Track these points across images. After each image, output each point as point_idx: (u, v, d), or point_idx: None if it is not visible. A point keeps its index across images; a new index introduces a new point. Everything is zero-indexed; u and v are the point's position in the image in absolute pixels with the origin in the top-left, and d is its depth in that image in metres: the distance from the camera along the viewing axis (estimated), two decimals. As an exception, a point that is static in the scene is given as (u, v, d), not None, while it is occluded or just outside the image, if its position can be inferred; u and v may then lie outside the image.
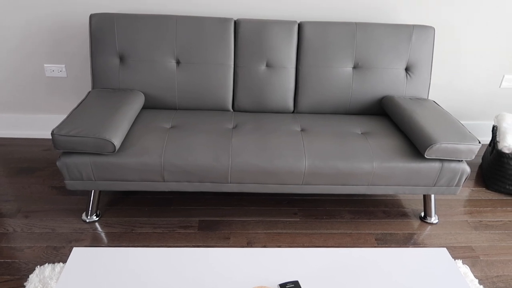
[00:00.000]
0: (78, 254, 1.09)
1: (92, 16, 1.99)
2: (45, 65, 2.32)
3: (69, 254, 1.69)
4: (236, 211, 2.00)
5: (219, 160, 1.71)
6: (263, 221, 1.95)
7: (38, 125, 2.50)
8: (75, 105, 2.46)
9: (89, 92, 1.98)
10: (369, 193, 1.84)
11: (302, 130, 1.93)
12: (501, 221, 2.04)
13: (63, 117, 2.49)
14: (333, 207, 2.07)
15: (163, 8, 2.18)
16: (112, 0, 2.15)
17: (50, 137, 2.53)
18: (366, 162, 1.75)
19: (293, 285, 0.98)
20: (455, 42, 2.39)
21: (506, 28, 2.36)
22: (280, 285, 0.99)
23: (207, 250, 1.12)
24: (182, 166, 1.70)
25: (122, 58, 2.03)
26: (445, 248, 1.16)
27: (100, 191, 1.88)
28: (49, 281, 1.55)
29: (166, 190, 1.78)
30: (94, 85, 2.05)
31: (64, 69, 2.33)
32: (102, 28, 1.99)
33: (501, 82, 2.55)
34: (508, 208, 2.13)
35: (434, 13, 2.28)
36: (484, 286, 1.66)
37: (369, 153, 1.77)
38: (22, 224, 1.85)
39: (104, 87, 2.05)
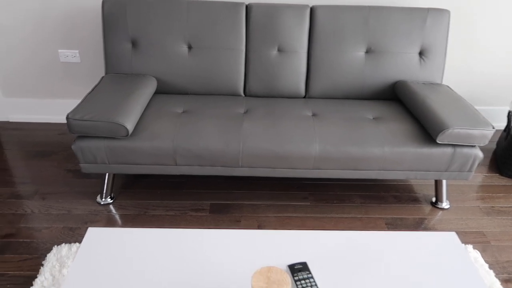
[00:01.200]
0: (93, 234, 1.12)
1: (104, 2, 2.01)
2: (59, 50, 2.35)
3: (84, 235, 1.74)
4: (247, 195, 2.03)
5: (230, 144, 1.73)
6: (273, 204, 1.97)
7: (53, 110, 2.55)
8: (88, 90, 2.49)
9: (102, 77, 2.00)
10: (380, 178, 1.84)
11: (313, 115, 1.93)
12: (513, 207, 2.02)
13: (77, 101, 2.53)
14: (344, 192, 2.08)
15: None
16: (124, -15, 2.16)
17: (65, 121, 2.58)
18: (377, 147, 1.75)
19: (301, 266, 1.00)
20: (470, 25, 2.34)
21: (524, 10, 2.30)
22: (289, 266, 1.01)
23: (218, 232, 1.15)
24: (194, 150, 1.72)
25: (134, 43, 2.04)
26: (454, 232, 1.17)
27: (114, 174, 1.92)
28: (66, 260, 1.60)
29: (178, 173, 1.80)
30: (107, 70, 2.08)
31: (77, 55, 2.36)
32: (114, 13, 2.01)
33: (518, 67, 2.49)
34: (521, 194, 2.11)
35: (450, -5, 2.24)
36: (494, 271, 1.66)
37: (381, 138, 1.77)
38: (39, 206, 1.90)
39: (117, 72, 2.07)
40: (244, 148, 1.73)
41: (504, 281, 1.62)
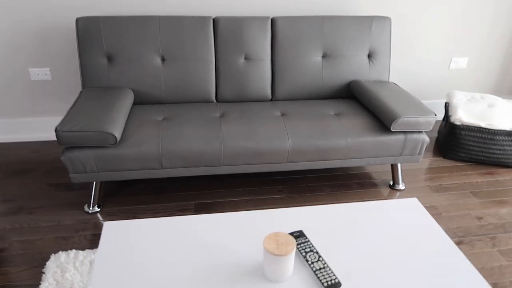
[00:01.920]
0: (110, 227, 1.24)
1: (78, 20, 2.11)
2: (30, 69, 2.40)
3: (79, 242, 1.83)
4: (228, 193, 2.19)
5: (212, 145, 1.89)
6: (253, 199, 2.15)
7: (25, 129, 2.57)
8: (61, 107, 2.55)
9: (81, 92, 2.10)
10: (345, 166, 2.08)
11: (282, 114, 2.14)
12: (457, 183, 2.35)
13: (49, 119, 2.57)
14: (314, 183, 2.30)
15: (144, 9, 2.33)
16: (93, 4, 2.27)
17: (38, 139, 2.61)
18: (341, 139, 1.99)
19: (299, 233, 1.19)
20: (409, 30, 2.68)
21: (451, 16, 2.68)
22: (289, 233, 1.19)
23: (218, 215, 1.30)
24: (178, 152, 1.87)
25: (109, 58, 2.16)
26: (415, 198, 1.41)
27: (101, 183, 2.02)
28: (66, 265, 1.68)
29: (165, 176, 1.94)
30: (84, 85, 2.17)
31: (49, 72, 2.42)
32: (88, 30, 2.11)
33: (450, 64, 2.88)
34: (462, 173, 2.45)
35: (390, 5, 2.56)
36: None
37: (343, 131, 2.01)
38: (28, 220, 1.95)
39: (94, 86, 2.17)
40: (225, 147, 1.90)
41: (456, 243, 1.90)
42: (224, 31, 2.23)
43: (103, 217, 1.99)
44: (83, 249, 1.79)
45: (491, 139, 2.40)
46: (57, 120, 2.58)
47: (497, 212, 2.12)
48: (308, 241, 1.18)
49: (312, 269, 1.10)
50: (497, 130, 2.37)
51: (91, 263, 1.70)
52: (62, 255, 1.74)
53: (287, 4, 2.45)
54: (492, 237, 1.95)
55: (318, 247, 1.19)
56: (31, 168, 2.34)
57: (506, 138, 2.38)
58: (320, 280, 1.07)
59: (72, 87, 2.50)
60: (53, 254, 1.74)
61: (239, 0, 2.39)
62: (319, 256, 1.14)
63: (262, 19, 2.26)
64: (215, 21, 2.24)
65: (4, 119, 2.53)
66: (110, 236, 1.22)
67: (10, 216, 1.98)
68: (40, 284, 1.61)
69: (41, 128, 2.58)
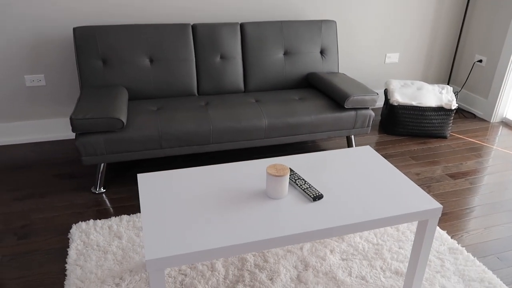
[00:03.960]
0: (143, 178, 1.59)
1: (75, 29, 2.44)
2: (25, 76, 2.67)
3: (93, 215, 2.13)
4: (214, 170, 2.57)
5: (202, 126, 2.28)
6: (236, 173, 2.54)
7: (20, 132, 2.80)
8: (54, 110, 2.81)
9: (82, 90, 2.41)
10: (310, 139, 2.54)
11: (256, 101, 2.58)
12: (399, 151, 2.89)
13: (43, 121, 2.82)
14: (288, 153, 2.73)
15: (132, 19, 2.69)
16: (85, 14, 2.60)
17: (33, 141, 2.85)
18: (306, 116, 2.45)
19: (289, 168, 1.61)
20: (351, 31, 3.25)
21: (384, 20, 3.28)
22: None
23: (230, 165, 1.69)
24: (174, 133, 2.24)
25: (104, 61, 2.49)
26: (368, 146, 1.89)
27: (106, 167, 2.32)
28: (88, 230, 1.98)
29: (163, 155, 2.29)
30: (82, 85, 2.48)
31: (43, 79, 2.70)
32: (85, 38, 2.44)
33: (385, 59, 3.47)
34: (401, 144, 3.00)
35: (335, 11, 3.11)
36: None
37: (307, 110, 2.48)
38: (42, 202, 2.21)
39: (91, 86, 2.49)
40: (213, 128, 2.29)
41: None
42: (202, 35, 2.64)
43: (109, 196, 2.29)
44: (99, 219, 2.09)
45: (421, 115, 2.98)
46: (50, 122, 2.84)
47: (430, 169, 2.67)
48: (296, 173, 1.61)
49: (301, 188, 1.52)
50: (426, 107, 2.95)
51: (109, 227, 2.01)
52: (82, 224, 2.03)
53: (253, 12, 2.92)
54: (428, 185, 2.48)
55: (303, 177, 1.62)
56: (32, 164, 2.58)
57: (433, 113, 2.97)
58: (308, 194, 1.49)
59: (65, 92, 2.78)
60: (74, 224, 2.03)
61: (212, 9, 2.83)
62: (305, 181, 1.56)
63: (232, 24, 2.70)
64: (193, 27, 2.65)
65: (1, 123, 2.75)
66: (145, 184, 1.57)
67: (26, 200, 2.23)
68: (69, 246, 1.90)
69: (35, 130, 2.82)
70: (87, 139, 2.13)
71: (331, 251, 1.90)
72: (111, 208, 2.19)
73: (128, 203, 2.23)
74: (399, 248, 1.94)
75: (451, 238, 2.04)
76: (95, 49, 2.46)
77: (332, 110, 2.52)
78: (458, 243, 2.00)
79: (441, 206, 1.47)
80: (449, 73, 3.77)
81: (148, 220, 1.36)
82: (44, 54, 2.64)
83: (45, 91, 2.75)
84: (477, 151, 2.91)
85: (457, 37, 3.61)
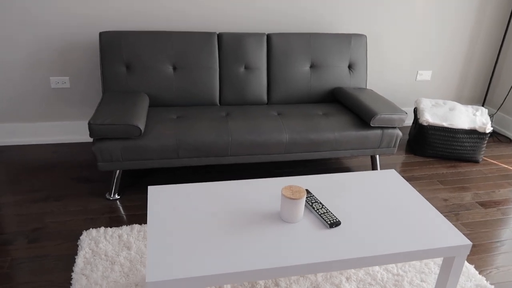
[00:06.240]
0: (153, 191, 1.54)
1: (101, 34, 2.43)
2: (50, 77, 2.69)
3: (105, 222, 2.09)
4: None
5: (221, 137, 2.22)
6: (253, 188, 2.47)
7: (43, 132, 2.82)
8: (78, 112, 2.83)
9: (103, 94, 2.40)
10: (333, 156, 2.44)
11: (278, 114, 2.50)
12: (426, 174, 2.74)
13: (67, 123, 2.83)
14: (307, 171, 2.64)
15: (158, 25, 2.68)
16: (111, 21, 2.60)
17: (56, 142, 2.86)
18: (329, 133, 2.36)
19: (306, 190, 1.52)
20: (382, 47, 3.13)
21: (418, 35, 3.15)
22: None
23: (244, 182, 1.62)
24: (193, 143, 2.19)
25: (128, 66, 2.48)
26: (393, 169, 1.77)
27: (122, 174, 2.29)
28: (98, 238, 1.94)
29: (180, 165, 2.24)
30: (104, 89, 2.47)
31: (67, 81, 2.71)
32: (110, 43, 2.44)
33: (416, 76, 3.33)
34: (429, 166, 2.85)
35: (366, 25, 3.01)
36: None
37: (331, 126, 2.38)
38: (57, 206, 2.20)
39: (113, 91, 2.47)
40: (232, 139, 2.23)
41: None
42: (227, 45, 2.59)
43: (122, 203, 2.26)
44: (110, 226, 2.06)
45: (452, 136, 2.82)
46: (73, 124, 2.85)
47: (459, 195, 2.51)
48: (313, 195, 1.51)
49: (318, 213, 1.43)
50: (458, 129, 2.80)
51: (119, 236, 1.97)
52: (93, 231, 2.00)
53: (280, 23, 2.85)
54: (456, 213, 2.33)
55: (320, 200, 1.53)
56: (52, 165, 2.59)
57: (465, 135, 2.81)
58: (325, 220, 1.40)
59: (88, 95, 2.79)
60: (84, 231, 2.00)
61: (239, 18, 2.78)
62: (322, 205, 1.47)
63: (259, 35, 2.64)
64: (219, 36, 2.60)
65: (25, 123, 2.78)
66: (155, 197, 1.51)
67: (40, 203, 2.22)
68: (77, 253, 1.87)
69: (58, 132, 2.84)
70: (104, 145, 2.10)
71: (347, 279, 1.79)
72: (124, 216, 2.15)
73: (141, 212, 2.19)
74: (421, 281, 1.81)
75: (479, 273, 1.89)
76: (119, 54, 2.45)
77: (357, 128, 2.41)
78: (487, 280, 1.85)
79: (470, 243, 1.35)
80: (484, 94, 3.59)
81: (154, 238, 1.30)
82: (70, 57, 2.66)
83: (69, 94, 2.76)
84: (511, 179, 2.73)
85: (496, 56, 3.44)
